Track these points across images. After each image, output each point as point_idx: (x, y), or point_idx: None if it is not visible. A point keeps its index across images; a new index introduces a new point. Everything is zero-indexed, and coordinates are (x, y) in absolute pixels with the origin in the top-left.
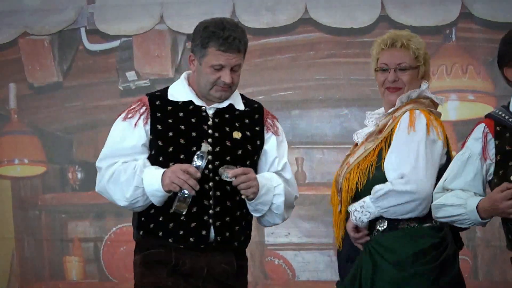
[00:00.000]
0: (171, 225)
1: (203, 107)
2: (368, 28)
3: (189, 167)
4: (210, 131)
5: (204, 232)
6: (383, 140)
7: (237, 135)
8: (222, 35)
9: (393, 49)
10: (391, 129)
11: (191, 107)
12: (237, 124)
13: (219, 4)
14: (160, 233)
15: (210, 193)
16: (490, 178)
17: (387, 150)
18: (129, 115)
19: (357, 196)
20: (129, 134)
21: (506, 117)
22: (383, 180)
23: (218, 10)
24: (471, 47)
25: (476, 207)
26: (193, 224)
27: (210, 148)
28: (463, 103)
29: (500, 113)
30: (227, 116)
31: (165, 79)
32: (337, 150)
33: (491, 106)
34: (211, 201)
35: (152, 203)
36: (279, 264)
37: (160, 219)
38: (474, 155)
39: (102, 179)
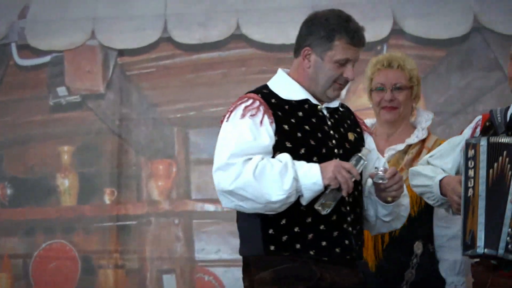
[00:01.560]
0: (310, 235)
1: (319, 106)
2: None
3: (352, 168)
4: (331, 132)
5: (347, 242)
6: None
7: (351, 136)
8: (350, 28)
9: (389, 69)
10: None
11: (306, 106)
12: (345, 125)
13: (151, 19)
14: (298, 246)
15: (346, 199)
16: None
17: None
18: (250, 113)
19: (412, 219)
20: (258, 133)
21: (498, 116)
22: None
23: (150, 25)
24: None
25: (441, 180)
26: (335, 233)
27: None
28: None
29: (497, 110)
30: (336, 116)
31: (96, 94)
32: None
33: None
34: (348, 208)
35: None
36: (209, 280)
37: (296, 229)
38: (463, 142)
39: (242, 174)
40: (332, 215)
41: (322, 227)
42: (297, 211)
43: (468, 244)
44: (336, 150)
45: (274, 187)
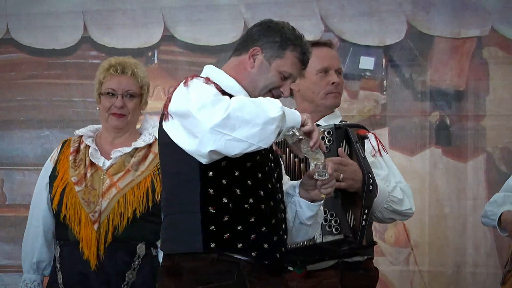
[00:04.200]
0: (252, 236)
1: None
2: (70, 50)
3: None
4: None
5: (283, 249)
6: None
7: None
8: (304, 45)
9: (122, 75)
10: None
11: None
12: None
13: None
14: (240, 245)
15: (281, 205)
16: None
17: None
18: (209, 83)
19: (137, 219)
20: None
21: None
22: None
23: None
24: (173, 69)
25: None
26: (275, 238)
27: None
28: None
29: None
30: None
31: None
32: (38, 172)
33: None
34: (283, 215)
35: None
36: None
37: (238, 228)
38: None
39: (234, 100)
40: (272, 218)
41: (264, 229)
42: (240, 209)
43: None
44: (273, 147)
45: (270, 105)
